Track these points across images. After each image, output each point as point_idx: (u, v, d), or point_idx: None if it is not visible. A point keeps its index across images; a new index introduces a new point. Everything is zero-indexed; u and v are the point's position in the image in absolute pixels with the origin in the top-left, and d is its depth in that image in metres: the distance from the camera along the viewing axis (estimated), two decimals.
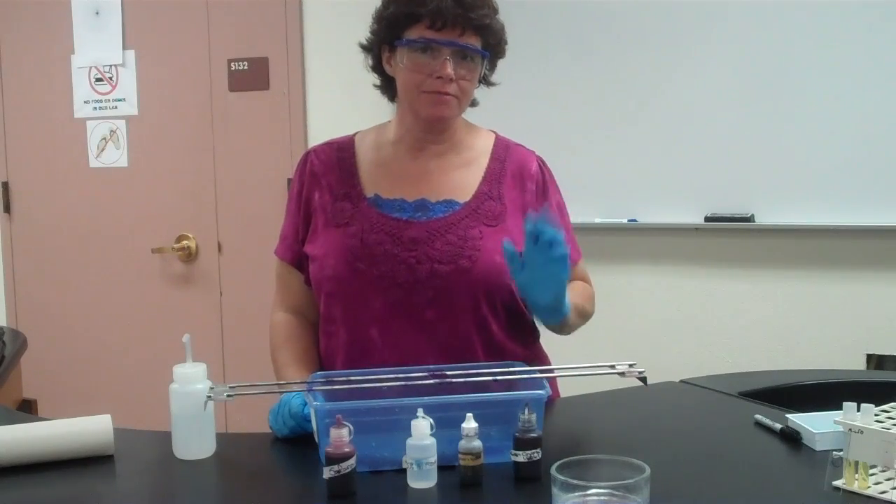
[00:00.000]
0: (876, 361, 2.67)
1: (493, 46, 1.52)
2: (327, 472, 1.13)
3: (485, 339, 1.52)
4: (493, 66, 1.57)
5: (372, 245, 1.50)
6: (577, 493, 0.97)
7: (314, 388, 1.30)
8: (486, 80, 1.57)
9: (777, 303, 2.82)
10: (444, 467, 1.18)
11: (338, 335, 1.54)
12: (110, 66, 3.31)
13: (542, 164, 1.64)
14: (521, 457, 1.18)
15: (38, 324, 3.38)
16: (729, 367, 2.67)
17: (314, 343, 1.61)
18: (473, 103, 1.59)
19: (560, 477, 0.98)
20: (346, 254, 1.50)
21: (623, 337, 2.87)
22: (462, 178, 1.57)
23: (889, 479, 1.12)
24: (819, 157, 2.66)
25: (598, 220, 2.90)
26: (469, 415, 1.17)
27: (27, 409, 3.06)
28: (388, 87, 1.58)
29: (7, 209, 3.47)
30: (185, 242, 3.30)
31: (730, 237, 2.83)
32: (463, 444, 1.17)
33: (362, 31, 1.56)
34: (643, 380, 1.34)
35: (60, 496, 1.23)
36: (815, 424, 1.30)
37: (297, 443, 1.35)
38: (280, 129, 3.17)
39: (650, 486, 0.99)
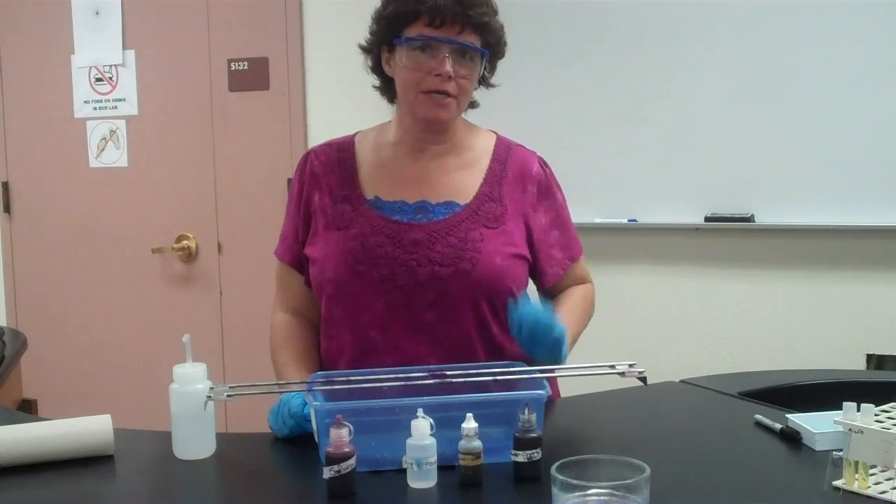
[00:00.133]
0: (876, 361, 2.67)
1: (492, 46, 1.52)
2: (327, 472, 1.13)
3: (486, 341, 1.52)
4: (492, 67, 1.57)
5: (372, 248, 1.49)
6: (576, 493, 0.97)
7: (314, 388, 1.30)
8: (485, 82, 1.57)
9: (777, 303, 2.82)
10: (444, 467, 1.18)
11: (339, 338, 1.54)
12: (110, 66, 3.31)
13: (543, 165, 1.63)
14: (521, 457, 1.18)
15: (38, 324, 3.38)
16: (729, 367, 2.67)
17: (314, 343, 1.61)
18: (473, 105, 1.59)
19: (560, 477, 0.98)
20: (347, 257, 1.50)
21: (623, 337, 2.87)
22: (463, 180, 1.57)
23: (889, 479, 1.12)
24: (819, 157, 2.66)
25: (597, 220, 2.90)
26: (469, 415, 1.17)
27: (27, 409, 3.04)
28: (388, 88, 1.58)
29: (7, 209, 3.47)
30: (185, 242, 3.30)
31: (730, 237, 2.83)
32: (463, 444, 1.17)
33: (362, 31, 1.56)
34: (643, 380, 1.34)
35: (60, 496, 1.23)
36: (815, 424, 1.30)
37: (297, 443, 1.35)
38: (280, 129, 3.17)
39: (650, 486, 0.99)
